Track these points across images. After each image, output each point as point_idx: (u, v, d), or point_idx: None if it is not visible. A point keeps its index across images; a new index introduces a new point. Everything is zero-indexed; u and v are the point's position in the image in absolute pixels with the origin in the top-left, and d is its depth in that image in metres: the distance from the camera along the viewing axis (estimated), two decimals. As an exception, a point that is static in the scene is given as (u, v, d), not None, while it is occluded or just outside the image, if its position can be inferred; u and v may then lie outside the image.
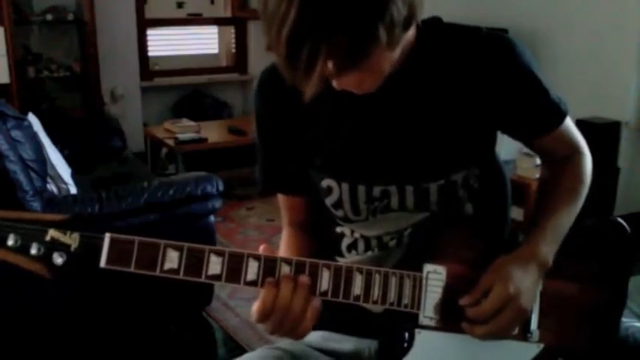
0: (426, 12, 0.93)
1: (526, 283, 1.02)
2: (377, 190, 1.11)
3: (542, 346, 1.08)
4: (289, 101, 1.08)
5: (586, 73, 3.24)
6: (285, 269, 0.96)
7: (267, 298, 0.94)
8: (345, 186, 1.12)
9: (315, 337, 1.23)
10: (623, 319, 1.18)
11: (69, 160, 3.37)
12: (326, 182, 1.14)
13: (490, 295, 1.00)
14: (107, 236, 0.90)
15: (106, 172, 3.63)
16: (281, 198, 1.24)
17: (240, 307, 2.93)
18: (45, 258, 0.88)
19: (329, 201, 1.15)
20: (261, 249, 0.97)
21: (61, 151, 3.39)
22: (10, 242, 0.87)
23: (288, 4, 0.80)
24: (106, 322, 2.56)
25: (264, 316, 0.95)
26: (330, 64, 0.84)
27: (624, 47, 3.06)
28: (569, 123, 1.15)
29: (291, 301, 0.94)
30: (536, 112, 1.11)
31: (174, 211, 2.66)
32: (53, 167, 2.90)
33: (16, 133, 2.42)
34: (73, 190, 2.94)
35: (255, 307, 0.96)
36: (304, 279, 0.95)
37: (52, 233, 0.88)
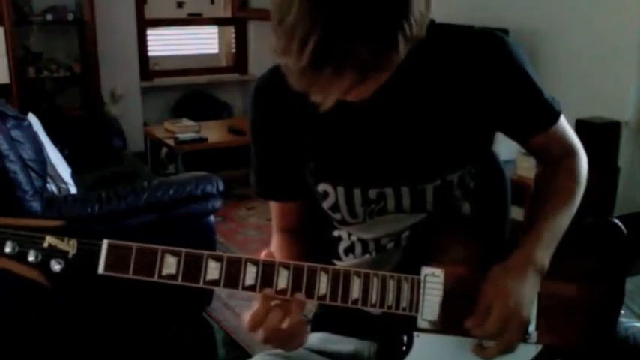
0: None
1: (525, 293, 1.02)
2: (373, 193, 1.11)
3: (540, 346, 1.08)
4: (285, 108, 1.08)
5: (586, 73, 3.24)
6: (284, 273, 0.95)
7: (255, 320, 0.95)
8: (340, 190, 1.12)
9: (315, 338, 1.23)
10: (623, 320, 1.18)
11: (69, 160, 3.37)
12: (322, 187, 1.13)
13: (492, 314, 1.00)
14: (105, 242, 0.90)
15: (106, 172, 3.63)
16: (273, 205, 1.24)
17: (240, 307, 2.93)
18: (42, 265, 0.88)
19: (326, 205, 1.15)
20: (263, 254, 0.97)
21: (61, 151, 3.40)
22: (8, 249, 0.87)
23: (315, 16, 0.78)
24: (106, 322, 2.56)
25: (253, 329, 0.96)
26: (352, 76, 0.83)
27: (624, 47, 3.06)
28: (563, 123, 1.15)
29: (280, 325, 0.95)
30: (529, 111, 1.10)
31: (174, 211, 2.66)
32: (53, 167, 2.90)
33: (16, 133, 2.43)
34: (73, 190, 2.94)
35: (246, 320, 0.96)
36: (296, 304, 0.95)
37: (50, 240, 0.88)
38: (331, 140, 1.10)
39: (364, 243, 1.17)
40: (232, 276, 0.94)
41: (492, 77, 1.05)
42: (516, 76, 1.07)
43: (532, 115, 1.11)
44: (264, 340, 0.97)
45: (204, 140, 4.39)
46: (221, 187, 2.74)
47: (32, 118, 3.16)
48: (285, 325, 0.95)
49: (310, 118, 1.04)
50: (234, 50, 5.89)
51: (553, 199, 1.13)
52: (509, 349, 1.02)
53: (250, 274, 0.94)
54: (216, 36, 6.00)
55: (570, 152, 1.18)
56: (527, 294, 1.03)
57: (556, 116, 1.13)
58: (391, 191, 1.11)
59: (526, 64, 1.08)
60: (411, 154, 1.09)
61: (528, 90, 1.09)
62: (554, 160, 1.17)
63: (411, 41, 0.84)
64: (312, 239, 1.22)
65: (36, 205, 2.37)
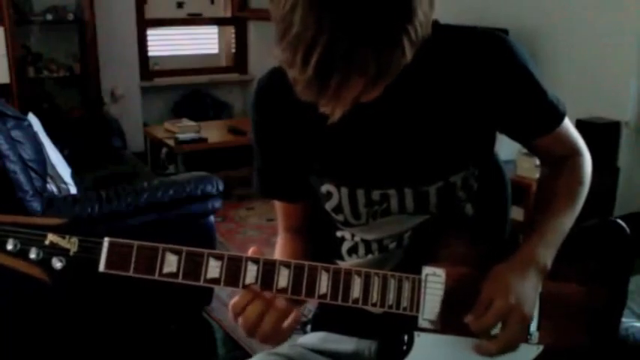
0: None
1: (526, 290, 1.02)
2: (376, 194, 1.11)
3: (542, 347, 1.07)
4: (287, 110, 1.08)
5: (586, 73, 3.24)
6: (284, 272, 0.96)
7: (238, 304, 0.95)
8: (344, 190, 1.12)
9: (315, 338, 1.23)
10: (623, 319, 1.18)
11: (69, 160, 3.37)
12: (325, 187, 1.13)
13: (491, 308, 0.99)
14: (106, 240, 0.90)
15: (106, 172, 3.63)
16: (277, 204, 1.24)
17: (240, 307, 2.92)
18: (44, 262, 0.88)
19: (329, 206, 1.15)
20: (251, 252, 0.97)
21: (61, 151, 3.39)
22: (10, 247, 0.87)
23: (318, 27, 0.78)
24: (105, 321, 2.56)
25: (235, 316, 0.97)
26: (359, 84, 0.83)
27: (624, 47, 3.06)
28: (567, 124, 1.15)
29: (261, 321, 0.95)
30: (534, 113, 1.10)
31: (174, 211, 2.65)
32: (53, 167, 2.90)
33: (16, 133, 2.42)
34: (73, 190, 2.94)
35: (230, 306, 0.96)
36: (281, 304, 0.95)
37: (51, 238, 0.88)
38: (335, 141, 1.09)
39: (367, 244, 1.17)
40: (233, 274, 0.94)
41: (496, 79, 1.05)
42: (521, 78, 1.07)
43: (537, 117, 1.11)
44: (247, 333, 0.97)
45: (204, 140, 4.39)
46: (221, 187, 2.74)
47: (32, 118, 3.16)
48: (265, 323, 0.95)
49: (313, 119, 1.04)
50: (234, 50, 5.89)
51: (557, 199, 1.13)
52: (510, 346, 1.01)
53: (251, 273, 0.94)
54: (216, 36, 6.00)
55: (574, 152, 1.18)
56: (529, 292, 1.02)
57: (561, 117, 1.12)
58: (394, 192, 1.10)
59: (530, 66, 1.07)
60: (414, 155, 1.09)
61: (533, 91, 1.08)
62: (559, 160, 1.17)
63: (416, 43, 0.83)
64: (315, 239, 1.22)
65: (36, 205, 2.37)
